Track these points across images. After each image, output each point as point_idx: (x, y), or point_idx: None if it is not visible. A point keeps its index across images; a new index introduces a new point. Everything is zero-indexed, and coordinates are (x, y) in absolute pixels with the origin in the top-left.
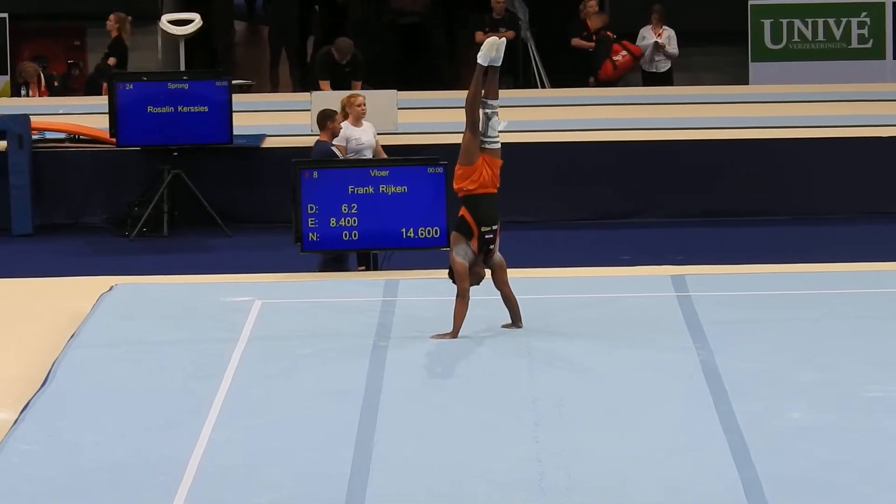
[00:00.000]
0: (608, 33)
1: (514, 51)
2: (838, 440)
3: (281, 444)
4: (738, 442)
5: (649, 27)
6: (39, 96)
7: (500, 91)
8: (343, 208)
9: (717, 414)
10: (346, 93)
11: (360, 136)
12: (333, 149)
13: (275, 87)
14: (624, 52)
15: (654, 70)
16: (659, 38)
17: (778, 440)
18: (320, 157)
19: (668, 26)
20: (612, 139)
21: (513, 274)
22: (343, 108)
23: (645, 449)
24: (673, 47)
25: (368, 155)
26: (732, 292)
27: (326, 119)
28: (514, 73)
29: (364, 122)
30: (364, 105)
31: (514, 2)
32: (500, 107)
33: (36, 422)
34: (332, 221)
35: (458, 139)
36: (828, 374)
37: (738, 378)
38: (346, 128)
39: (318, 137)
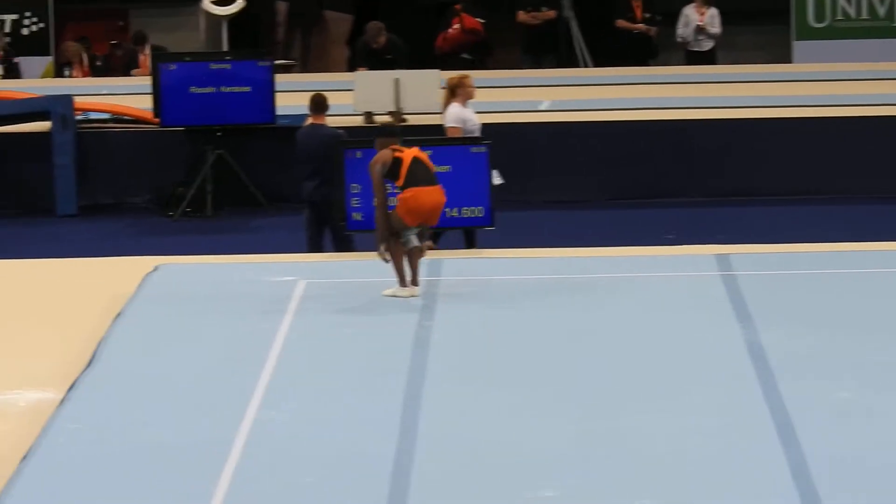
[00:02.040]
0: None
1: (556, 30)
2: (886, 421)
3: (326, 424)
4: (784, 422)
5: (693, 6)
6: (83, 77)
7: (545, 70)
8: (387, 188)
9: (763, 393)
10: (457, 73)
11: (472, 117)
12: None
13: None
14: (458, 25)
15: (698, 49)
16: (702, 17)
17: (825, 420)
18: (335, 140)
19: (712, 6)
20: (655, 118)
21: (557, 253)
22: (452, 88)
23: (690, 429)
24: (715, 27)
25: (477, 135)
26: (777, 271)
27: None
28: (557, 51)
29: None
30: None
31: None
32: (544, 86)
33: (82, 401)
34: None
35: (498, 118)
36: (876, 353)
37: (783, 357)
38: (460, 109)
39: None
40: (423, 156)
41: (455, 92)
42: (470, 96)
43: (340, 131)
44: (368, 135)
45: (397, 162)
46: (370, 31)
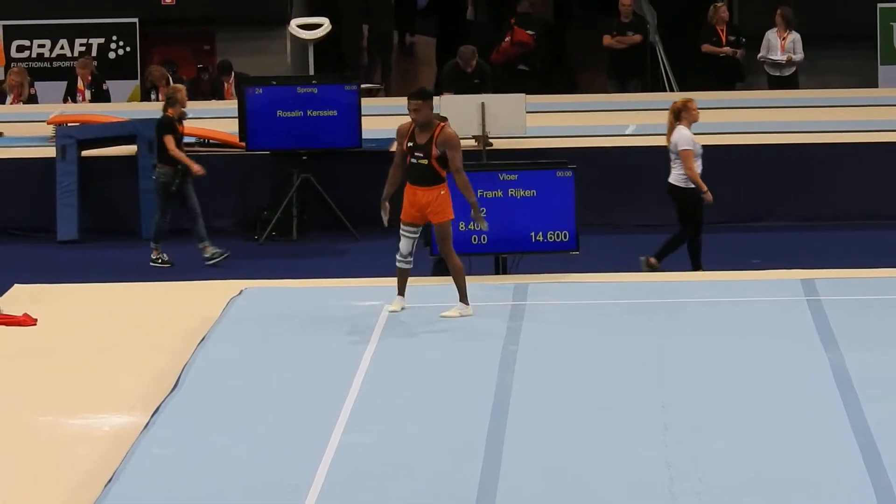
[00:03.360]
0: (741, 38)
1: (643, 54)
2: None
3: (411, 447)
4: (868, 445)
5: (774, 31)
6: None
7: (631, 94)
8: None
9: (848, 416)
10: (681, 97)
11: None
12: None
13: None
14: (508, 38)
15: (779, 74)
16: (783, 42)
17: None
18: None
19: (795, 30)
20: (741, 142)
21: (642, 278)
22: (677, 112)
23: (775, 451)
24: (797, 52)
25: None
26: (862, 296)
27: None
28: (643, 76)
29: None
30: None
31: (641, 5)
32: (630, 110)
33: (167, 425)
34: (462, 226)
35: (584, 142)
36: None
37: (868, 381)
38: (689, 132)
39: None
40: None
41: (680, 115)
42: (694, 119)
43: None
44: None
45: None
46: (464, 54)
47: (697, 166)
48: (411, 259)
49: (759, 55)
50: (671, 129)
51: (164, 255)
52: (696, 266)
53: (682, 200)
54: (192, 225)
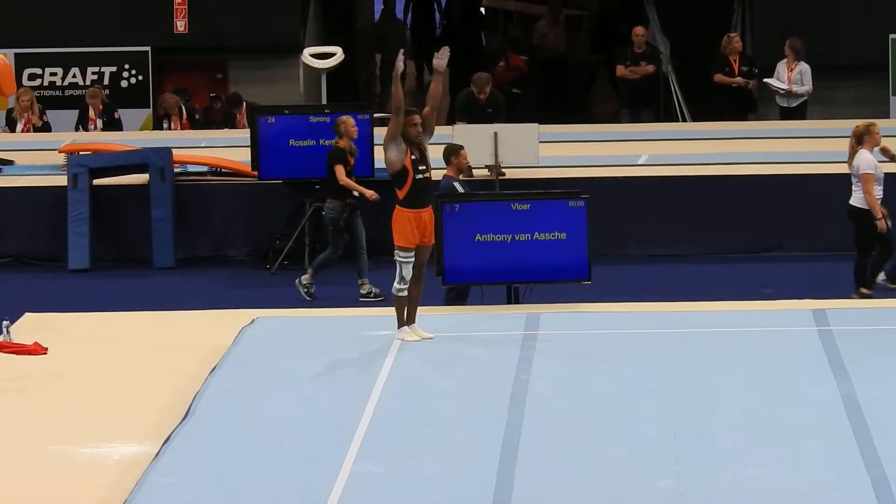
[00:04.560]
0: (753, 68)
1: (656, 84)
2: None
3: (423, 477)
4: (879, 476)
5: (784, 62)
6: (181, 129)
7: (644, 124)
8: (484, 241)
9: (859, 448)
10: (863, 122)
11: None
12: (457, 184)
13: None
14: (503, 63)
15: (786, 105)
16: (790, 73)
17: None
18: (445, 192)
19: (806, 60)
20: (752, 173)
21: (654, 308)
22: (859, 136)
23: (787, 483)
24: (804, 84)
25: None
26: (874, 327)
27: (451, 154)
28: (656, 106)
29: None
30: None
31: (655, 35)
32: (643, 140)
33: (178, 455)
34: (474, 255)
35: (597, 172)
36: None
37: (879, 412)
38: (872, 156)
39: (444, 172)
40: None
41: (862, 139)
42: (877, 143)
43: (455, 184)
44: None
45: None
46: (479, 81)
47: (878, 192)
48: None
49: (765, 80)
50: (853, 152)
51: (313, 289)
52: (863, 283)
53: (862, 223)
54: (357, 260)
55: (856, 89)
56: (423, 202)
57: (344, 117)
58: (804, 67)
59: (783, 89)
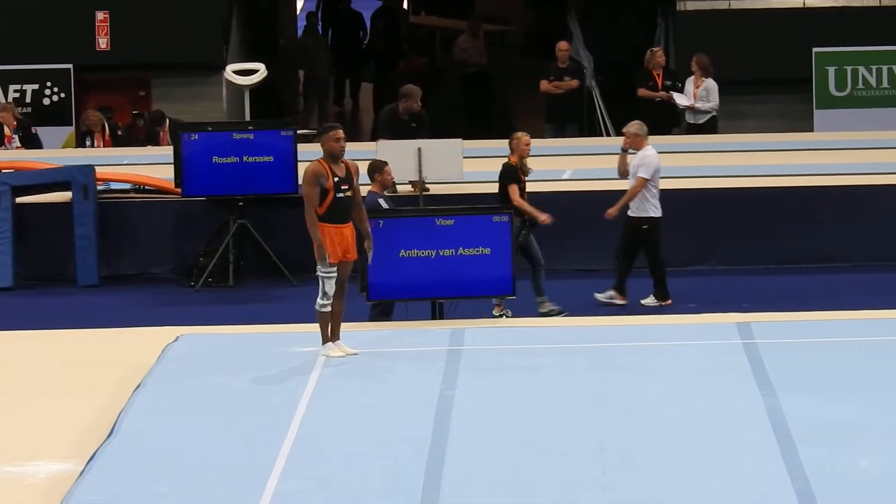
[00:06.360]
0: (677, 83)
1: (580, 100)
2: None
3: (349, 494)
4: (805, 490)
5: (691, 79)
6: (104, 146)
7: (568, 139)
8: (409, 257)
9: (784, 462)
10: None
11: None
12: (381, 200)
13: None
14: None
15: (693, 121)
16: (696, 89)
17: (846, 489)
18: (369, 208)
19: (728, 76)
20: (677, 187)
21: (580, 322)
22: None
23: (711, 496)
24: (710, 100)
25: None
26: (798, 339)
27: (375, 171)
28: (579, 121)
29: None
30: None
31: (578, 51)
32: (567, 154)
33: (102, 473)
34: (398, 271)
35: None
36: None
37: (805, 425)
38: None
39: (368, 188)
40: None
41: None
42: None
43: (380, 200)
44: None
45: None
46: (412, 92)
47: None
48: None
49: (671, 93)
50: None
51: (554, 305)
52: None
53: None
54: (533, 277)
55: (779, 104)
56: (344, 218)
57: (519, 133)
58: (710, 84)
59: (685, 105)
